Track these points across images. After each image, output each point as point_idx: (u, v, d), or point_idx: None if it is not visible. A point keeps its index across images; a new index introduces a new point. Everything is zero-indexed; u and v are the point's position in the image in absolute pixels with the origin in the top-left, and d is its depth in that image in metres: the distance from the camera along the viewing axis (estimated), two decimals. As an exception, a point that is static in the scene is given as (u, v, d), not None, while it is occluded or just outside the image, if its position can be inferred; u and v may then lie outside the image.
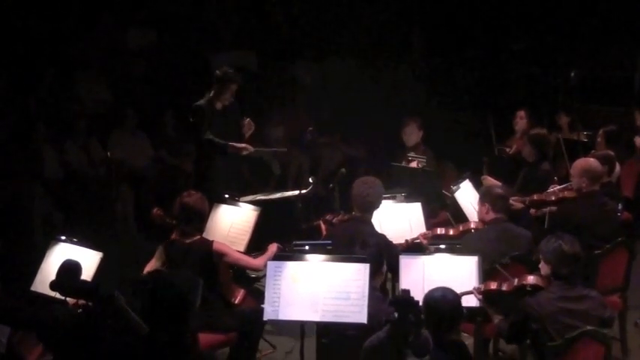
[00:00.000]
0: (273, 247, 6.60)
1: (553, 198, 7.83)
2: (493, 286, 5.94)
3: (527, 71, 12.62)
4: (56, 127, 10.12)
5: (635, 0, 13.08)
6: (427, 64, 12.75)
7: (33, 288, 6.25)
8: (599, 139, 9.90)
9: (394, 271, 6.35)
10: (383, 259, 6.12)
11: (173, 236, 6.44)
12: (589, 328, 5.30)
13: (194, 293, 4.47)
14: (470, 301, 5.84)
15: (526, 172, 8.61)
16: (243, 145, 8.55)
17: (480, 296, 5.92)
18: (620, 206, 8.08)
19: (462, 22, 12.87)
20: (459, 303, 4.79)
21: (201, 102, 8.52)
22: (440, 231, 7.19)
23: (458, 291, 5.67)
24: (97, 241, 6.43)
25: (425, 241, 7.05)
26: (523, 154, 8.88)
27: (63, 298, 5.39)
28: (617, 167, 8.85)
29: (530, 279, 5.85)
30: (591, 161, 7.64)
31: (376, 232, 6.69)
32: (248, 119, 8.69)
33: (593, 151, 9.10)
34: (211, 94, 8.54)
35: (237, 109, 8.85)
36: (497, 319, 5.93)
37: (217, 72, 8.63)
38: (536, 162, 8.66)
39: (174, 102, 11.06)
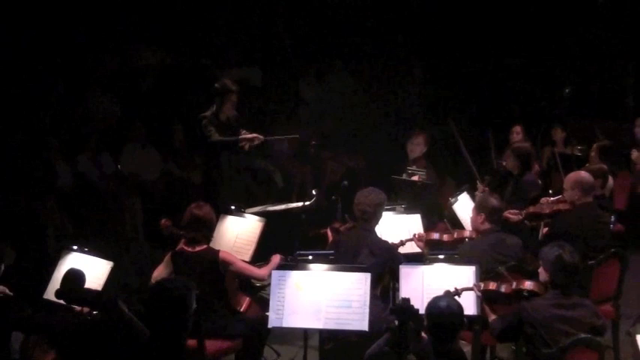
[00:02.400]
0: (276, 258, 6.60)
1: (548, 210, 7.83)
2: (492, 286, 5.98)
3: (523, 88, 12.62)
4: (68, 141, 10.14)
5: (625, 18, 13.14)
6: (427, 82, 12.74)
7: (45, 296, 6.24)
8: (592, 154, 9.94)
9: (396, 278, 6.36)
10: (387, 268, 6.13)
11: (180, 245, 6.44)
12: (583, 335, 5.30)
13: (189, 298, 4.46)
14: (469, 309, 5.85)
15: (512, 184, 8.62)
16: (254, 134, 8.60)
17: (480, 293, 5.95)
18: (612, 218, 8.09)
19: (461, 41, 12.90)
20: (462, 313, 4.79)
21: (207, 113, 8.63)
22: (435, 235, 7.21)
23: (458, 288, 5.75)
24: (108, 251, 6.43)
25: (420, 243, 7.07)
26: (508, 167, 8.89)
27: (67, 305, 5.39)
28: (610, 180, 8.87)
29: (528, 284, 5.88)
30: (583, 174, 7.65)
31: (380, 240, 6.69)
32: (244, 133, 8.73)
33: (587, 165, 9.11)
34: (214, 108, 8.63)
35: (241, 121, 8.91)
36: (491, 317, 5.95)
37: (216, 85, 8.74)
38: (520, 174, 8.67)
39: (183, 117, 11.10)
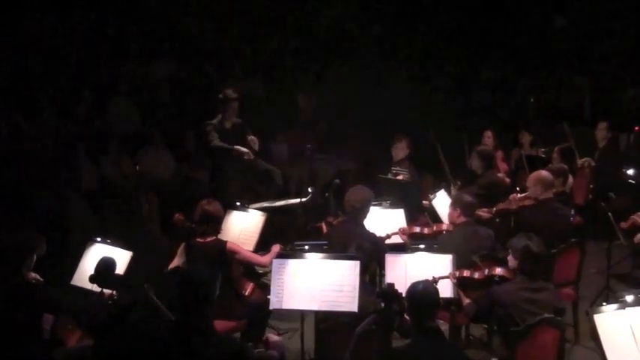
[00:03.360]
0: (276, 247, 6.62)
1: (514, 207, 7.85)
2: (467, 273, 6.01)
3: (494, 97, 12.63)
4: (93, 146, 10.14)
5: (582, 35, 13.19)
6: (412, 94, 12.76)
7: (73, 282, 6.25)
8: (554, 155, 9.93)
9: (382, 265, 6.37)
10: (374, 259, 6.14)
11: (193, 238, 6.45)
12: (547, 315, 5.31)
13: (214, 284, 4.47)
14: (445, 292, 5.86)
15: (477, 182, 8.62)
16: (246, 150, 8.65)
17: (455, 280, 5.96)
18: (572, 212, 8.10)
19: (438, 56, 12.95)
20: (438, 294, 4.80)
21: (213, 121, 8.69)
22: (416, 228, 7.23)
23: (436, 277, 5.75)
24: (128, 242, 6.44)
25: (404, 236, 7.08)
26: (473, 167, 8.88)
27: (100, 289, 5.39)
28: (570, 179, 8.88)
29: (499, 270, 5.90)
30: (543, 172, 7.69)
31: (368, 232, 6.70)
32: (252, 137, 8.75)
33: (549, 165, 9.11)
34: (220, 117, 8.69)
35: (244, 127, 8.93)
36: (466, 301, 5.96)
37: (220, 96, 8.80)
38: (483, 173, 8.68)
39: (193, 124, 11.12)
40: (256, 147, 8.88)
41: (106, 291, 5.43)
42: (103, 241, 6.41)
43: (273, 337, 5.56)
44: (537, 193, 7.46)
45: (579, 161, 10.28)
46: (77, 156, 9.68)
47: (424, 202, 8.43)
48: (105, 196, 9.34)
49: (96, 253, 6.24)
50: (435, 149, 9.62)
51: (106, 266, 5.29)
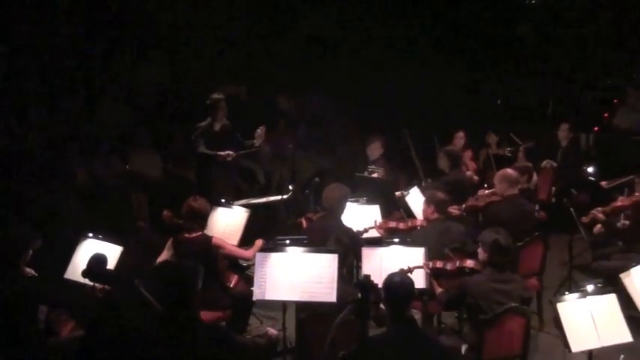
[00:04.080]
0: (259, 242, 6.60)
1: (482, 203, 7.88)
2: (440, 264, 6.02)
3: (463, 100, 12.66)
4: (85, 146, 10.08)
5: (546, 43, 13.26)
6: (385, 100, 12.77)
7: (66, 276, 6.21)
8: (520, 154, 9.99)
9: (359, 258, 6.36)
10: (351, 252, 6.13)
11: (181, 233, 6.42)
12: (513, 304, 5.34)
13: (196, 278, 4.45)
14: (419, 283, 5.87)
15: (444, 180, 8.63)
16: (227, 152, 8.67)
17: (429, 270, 5.97)
18: (537, 207, 8.15)
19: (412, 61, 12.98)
20: (413, 286, 4.79)
21: (203, 124, 8.66)
22: (392, 224, 7.24)
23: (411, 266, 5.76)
24: (119, 238, 6.40)
25: (380, 230, 7.08)
26: (440, 167, 8.90)
27: (92, 284, 5.36)
28: (535, 176, 8.92)
29: (469, 262, 5.92)
30: (508, 170, 7.74)
31: (345, 227, 6.69)
32: (261, 128, 8.70)
33: (515, 164, 9.15)
34: (209, 120, 8.66)
35: (232, 129, 8.91)
36: (438, 290, 5.97)
37: (208, 101, 8.79)
38: (449, 171, 8.71)
39: (180, 125, 11.08)
40: (262, 137, 8.89)
41: (98, 285, 5.39)
42: (95, 237, 6.37)
43: (272, 330, 5.54)
44: (503, 189, 7.50)
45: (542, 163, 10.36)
46: (70, 156, 9.61)
47: (397, 193, 8.44)
48: (96, 193, 9.28)
49: (88, 247, 6.21)
50: (407, 148, 9.64)
51: (97, 262, 5.26)
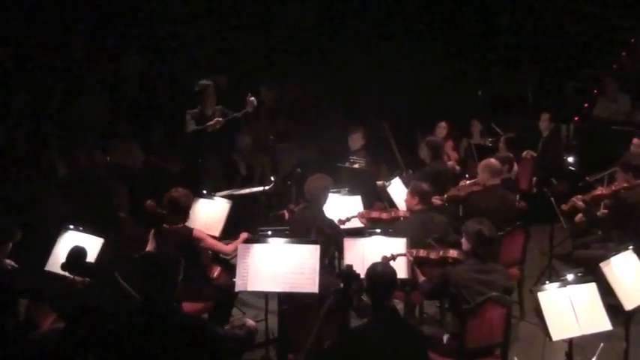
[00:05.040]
0: (243, 235, 6.57)
1: (463, 193, 7.91)
2: (423, 253, 6.03)
3: (445, 90, 12.68)
4: (66, 138, 10.02)
5: (527, 34, 13.29)
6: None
7: (47, 268, 6.17)
8: (501, 144, 10.02)
9: (340, 249, 6.36)
10: (333, 243, 6.13)
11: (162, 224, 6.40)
12: (495, 294, 5.36)
13: (177, 269, 4.44)
14: (401, 273, 5.88)
15: (424, 171, 8.66)
16: (213, 121, 8.61)
17: (412, 258, 5.98)
18: (517, 197, 8.18)
19: (394, 51, 12.97)
20: (395, 276, 4.80)
21: (193, 110, 8.68)
22: (374, 214, 7.24)
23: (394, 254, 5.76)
24: (99, 230, 6.37)
25: (363, 220, 7.09)
26: (421, 157, 8.91)
27: (71, 276, 5.32)
28: (515, 166, 8.96)
29: (452, 252, 5.93)
30: (491, 160, 7.76)
31: (327, 218, 6.69)
32: (251, 98, 8.68)
33: (497, 154, 9.19)
34: (199, 107, 8.67)
35: (225, 112, 8.90)
36: (421, 278, 5.99)
37: (196, 88, 8.77)
38: (431, 162, 8.73)
39: (161, 117, 11.04)
40: (254, 104, 8.80)
41: (78, 278, 5.36)
42: (76, 229, 6.33)
43: (250, 321, 5.53)
44: (485, 179, 7.52)
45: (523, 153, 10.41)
46: (50, 148, 9.55)
47: (378, 182, 8.45)
48: (77, 185, 9.23)
49: (69, 239, 6.17)
50: (387, 139, 9.65)
51: (76, 255, 5.23)
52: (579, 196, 7.59)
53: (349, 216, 7.09)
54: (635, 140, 9.05)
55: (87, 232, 6.27)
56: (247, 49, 12.80)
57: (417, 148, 10.03)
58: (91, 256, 5.92)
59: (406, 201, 7.05)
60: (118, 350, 4.32)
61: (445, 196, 7.89)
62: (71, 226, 6.35)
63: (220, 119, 8.62)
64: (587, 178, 9.03)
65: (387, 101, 11.85)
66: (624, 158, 7.60)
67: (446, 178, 8.58)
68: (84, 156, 9.85)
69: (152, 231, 6.41)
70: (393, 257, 5.85)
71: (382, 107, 11.35)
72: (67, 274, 5.30)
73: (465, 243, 5.72)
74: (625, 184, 7.35)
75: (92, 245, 6.07)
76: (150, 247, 6.34)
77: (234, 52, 12.70)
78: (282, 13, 12.97)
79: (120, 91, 11.80)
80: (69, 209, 8.75)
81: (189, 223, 6.70)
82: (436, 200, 7.66)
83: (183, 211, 6.45)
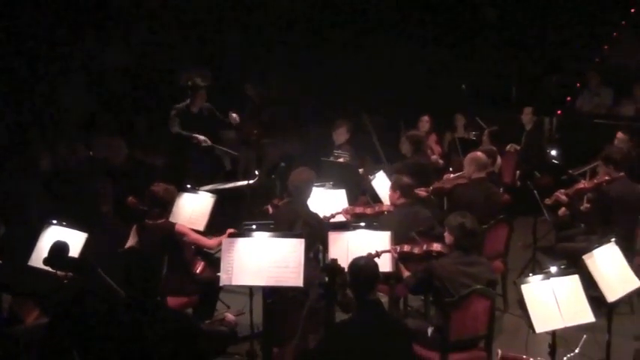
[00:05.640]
0: (229, 232, 6.53)
1: (449, 186, 7.93)
2: (407, 248, 6.03)
3: (429, 84, 12.70)
4: (48, 132, 9.96)
5: (510, 28, 13.32)
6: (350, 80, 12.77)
7: (30, 263, 6.13)
8: (484, 138, 10.05)
9: (325, 243, 6.36)
10: (318, 237, 6.13)
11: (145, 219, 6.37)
12: (478, 286, 5.37)
13: (160, 264, 4.42)
14: (385, 267, 5.89)
15: (405, 164, 8.67)
16: (203, 137, 8.65)
17: (396, 254, 5.98)
18: (501, 190, 8.21)
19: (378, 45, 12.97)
20: (378, 269, 4.80)
21: (180, 105, 8.67)
22: (359, 209, 7.24)
23: (379, 250, 5.77)
24: (83, 225, 6.34)
25: (347, 216, 7.09)
26: (403, 151, 8.91)
27: (54, 271, 5.30)
28: (499, 159, 8.99)
29: (436, 246, 5.93)
30: (478, 154, 7.77)
31: (311, 212, 6.68)
32: (234, 115, 8.77)
33: (480, 147, 9.21)
34: (188, 102, 8.67)
35: (212, 111, 8.90)
36: (406, 273, 5.99)
37: (189, 83, 8.78)
38: (412, 156, 8.73)
39: (146, 111, 10.99)
40: (235, 122, 8.93)
41: (60, 273, 5.33)
42: (59, 224, 6.28)
43: (230, 316, 5.55)
44: (471, 172, 7.54)
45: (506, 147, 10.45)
46: (33, 142, 9.50)
47: (360, 170, 8.44)
48: (60, 180, 9.18)
49: (52, 235, 6.13)
50: (369, 132, 9.67)
51: (58, 250, 5.21)
52: (562, 191, 7.63)
53: (333, 212, 7.08)
54: (619, 134, 9.10)
55: (70, 227, 6.24)
56: (231, 44, 12.77)
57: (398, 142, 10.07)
58: (75, 251, 5.90)
59: (389, 196, 7.05)
60: (102, 345, 4.31)
61: (431, 187, 7.90)
62: (54, 221, 6.31)
63: (208, 142, 8.67)
64: (570, 172, 9.07)
65: (370, 95, 11.86)
66: (605, 152, 7.65)
67: (427, 172, 8.58)
68: (67, 150, 9.81)
69: (135, 226, 6.37)
70: (378, 254, 5.85)
71: (366, 101, 11.36)
72: (49, 269, 5.28)
73: (447, 236, 5.73)
74: (607, 178, 7.39)
75: (75, 240, 6.03)
76: (131, 242, 6.30)
77: (218, 46, 12.67)
78: (266, 6, 12.94)
79: (103, 85, 11.75)
80: (52, 204, 8.72)
81: (174, 218, 6.68)
82: (421, 192, 7.67)
83: (164, 206, 6.42)
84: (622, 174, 7.38)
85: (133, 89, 11.76)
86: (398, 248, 6.06)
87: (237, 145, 11.08)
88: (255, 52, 12.84)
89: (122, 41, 12.09)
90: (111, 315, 4.40)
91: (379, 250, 5.93)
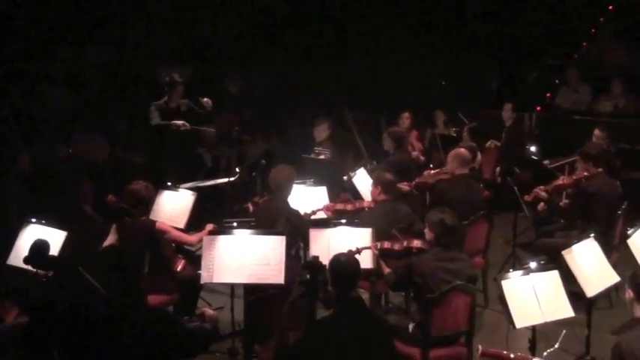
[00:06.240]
0: (209, 227, 6.52)
1: (432, 181, 7.95)
2: (387, 245, 6.03)
3: (409, 80, 12.71)
4: (27, 130, 9.89)
5: (490, 24, 13.36)
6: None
7: (9, 262, 6.09)
8: (464, 134, 10.09)
9: (306, 240, 6.36)
10: (299, 234, 6.12)
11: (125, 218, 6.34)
12: (459, 282, 5.39)
13: (141, 262, 4.41)
14: (366, 263, 5.89)
15: (388, 161, 8.69)
16: (181, 122, 8.77)
17: (377, 251, 5.98)
18: (481, 186, 8.24)
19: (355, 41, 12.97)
20: (359, 265, 4.80)
21: (158, 102, 8.69)
22: (339, 206, 7.24)
23: (359, 247, 5.77)
24: (63, 223, 6.30)
25: (328, 212, 7.09)
26: (385, 147, 8.93)
27: (34, 270, 5.26)
28: (479, 156, 9.03)
29: (416, 242, 5.94)
30: (462, 150, 7.80)
31: (292, 209, 6.68)
32: (206, 99, 8.84)
33: (460, 143, 9.23)
34: (165, 98, 8.67)
35: (191, 107, 8.88)
36: (386, 270, 6.00)
37: (166, 79, 8.80)
38: (394, 152, 8.76)
39: (125, 108, 10.94)
40: (209, 107, 8.90)
41: (40, 271, 5.30)
42: (38, 222, 6.25)
43: (209, 311, 5.52)
44: (454, 168, 7.57)
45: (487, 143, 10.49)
46: (12, 141, 9.42)
47: (344, 177, 8.46)
48: (40, 178, 9.12)
49: (31, 233, 6.09)
50: (351, 129, 9.67)
51: (38, 248, 5.17)
52: (542, 187, 7.67)
53: (314, 209, 7.07)
54: (596, 131, 9.17)
55: (50, 226, 6.20)
56: (212, 40, 12.73)
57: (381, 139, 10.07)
58: (55, 250, 5.86)
59: (371, 192, 7.06)
60: (82, 344, 4.29)
61: (413, 182, 7.93)
62: (34, 220, 6.26)
63: (187, 125, 8.67)
64: (547, 162, 9.13)
65: (351, 91, 11.85)
66: (584, 148, 7.70)
67: (409, 169, 8.61)
68: (47, 149, 9.74)
69: (115, 224, 6.33)
70: (359, 251, 5.85)
71: (347, 97, 11.36)
72: (29, 267, 5.24)
73: (428, 233, 5.74)
74: (585, 174, 7.43)
75: (55, 239, 6.00)
76: (111, 240, 6.26)
77: (198, 42, 12.62)
78: (246, 2, 12.92)
79: (83, 82, 11.68)
80: (32, 203, 8.65)
81: (154, 216, 6.65)
82: (404, 186, 7.69)
83: (144, 204, 6.40)
84: (600, 170, 7.43)
85: (113, 87, 11.69)
86: (378, 245, 6.07)
87: (217, 142, 11.05)
88: (235, 48, 12.80)
89: (102, 38, 12.02)
90: (91, 314, 4.37)
91: (360, 247, 5.93)
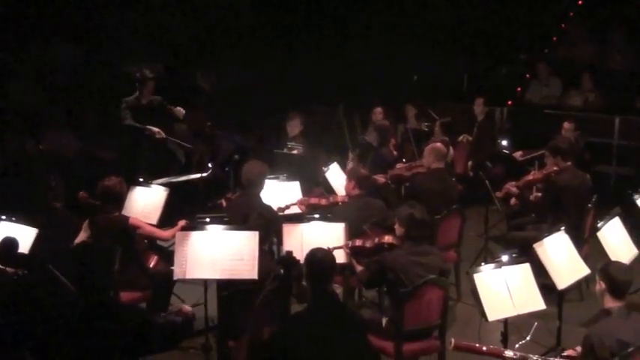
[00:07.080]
0: (182, 223, 6.48)
1: (408, 174, 7.99)
2: (359, 242, 6.01)
3: (380, 76, 12.73)
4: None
5: (460, 19, 13.42)
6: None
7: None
8: (436, 129, 10.13)
9: (279, 235, 6.35)
10: (272, 229, 6.11)
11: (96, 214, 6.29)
12: (432, 276, 5.41)
13: (113, 259, 4.38)
14: (340, 259, 5.89)
15: (373, 155, 8.70)
16: (157, 129, 8.66)
17: (349, 250, 5.98)
18: (454, 180, 8.28)
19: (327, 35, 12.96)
20: (335, 261, 4.79)
21: (130, 98, 8.62)
22: (313, 200, 7.23)
23: (331, 247, 5.75)
24: (33, 219, 6.23)
25: (302, 207, 7.08)
26: (368, 140, 8.99)
27: (3, 267, 5.20)
28: (451, 150, 9.08)
29: (387, 238, 5.92)
30: (437, 144, 7.84)
31: (265, 204, 6.66)
32: (178, 107, 8.84)
33: (432, 138, 9.28)
34: (137, 94, 8.60)
35: (163, 104, 8.84)
36: (359, 268, 5.99)
37: (137, 74, 8.74)
38: (379, 146, 8.79)
39: (95, 104, 10.86)
40: (182, 116, 8.91)
41: (9, 269, 5.24)
42: (8, 219, 6.18)
43: (186, 307, 5.52)
44: (430, 162, 7.60)
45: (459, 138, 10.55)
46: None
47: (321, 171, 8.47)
48: (9, 175, 9.02)
49: (1, 230, 6.01)
50: (340, 124, 9.71)
51: (7, 246, 5.12)
52: (512, 183, 7.73)
53: (288, 204, 7.06)
54: (565, 124, 9.25)
55: (20, 223, 6.13)
56: (182, 35, 12.65)
57: (355, 133, 10.11)
58: (25, 247, 5.81)
59: (345, 186, 7.06)
60: (53, 342, 4.25)
61: (389, 175, 7.96)
62: (3, 217, 6.20)
63: (163, 134, 8.65)
64: (520, 154, 9.20)
65: (323, 86, 11.86)
66: (552, 142, 7.76)
67: (392, 163, 8.66)
68: (16, 144, 9.64)
69: (86, 221, 6.28)
70: (330, 251, 5.84)
71: (318, 92, 11.37)
72: (0, 264, 5.19)
73: (398, 228, 5.74)
74: (555, 168, 7.49)
75: (25, 236, 5.94)
76: (82, 236, 6.20)
77: (169, 37, 12.54)
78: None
79: (53, 77, 11.57)
80: (1, 199, 8.56)
81: (126, 212, 6.60)
82: (380, 178, 7.70)
83: (117, 200, 6.35)
84: (569, 163, 7.49)
85: (83, 82, 11.59)
86: (350, 243, 6.05)
87: (189, 137, 11.00)
88: (207, 43, 12.74)
89: (72, 34, 11.91)
90: (62, 311, 4.34)
91: (331, 246, 5.91)
